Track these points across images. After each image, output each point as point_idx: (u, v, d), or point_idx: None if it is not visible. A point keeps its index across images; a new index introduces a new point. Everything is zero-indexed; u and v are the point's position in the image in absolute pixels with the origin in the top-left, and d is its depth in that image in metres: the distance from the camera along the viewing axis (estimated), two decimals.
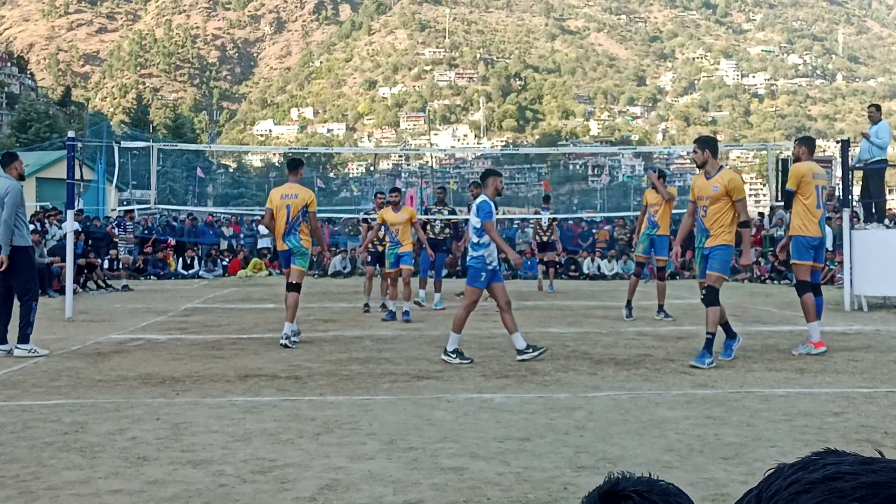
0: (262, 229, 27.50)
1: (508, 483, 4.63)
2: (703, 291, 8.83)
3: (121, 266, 21.78)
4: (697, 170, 9.13)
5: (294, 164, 11.12)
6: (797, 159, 9.60)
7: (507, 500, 4.37)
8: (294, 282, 10.46)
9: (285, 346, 9.99)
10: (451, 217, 16.55)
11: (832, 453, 0.90)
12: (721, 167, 8.97)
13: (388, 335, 11.29)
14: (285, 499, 4.39)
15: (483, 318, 13.39)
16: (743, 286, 21.56)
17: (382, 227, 14.20)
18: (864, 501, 0.82)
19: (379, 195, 15.69)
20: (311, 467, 4.95)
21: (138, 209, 25.98)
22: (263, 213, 12.00)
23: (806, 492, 0.85)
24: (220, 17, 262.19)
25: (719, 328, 8.78)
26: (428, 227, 15.97)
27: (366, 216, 17.53)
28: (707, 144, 9.11)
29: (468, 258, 9.47)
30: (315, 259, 24.16)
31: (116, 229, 22.26)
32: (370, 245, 15.04)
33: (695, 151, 9.07)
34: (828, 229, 18.39)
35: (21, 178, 10.26)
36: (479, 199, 9.24)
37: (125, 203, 34.53)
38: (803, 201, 9.39)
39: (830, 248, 19.81)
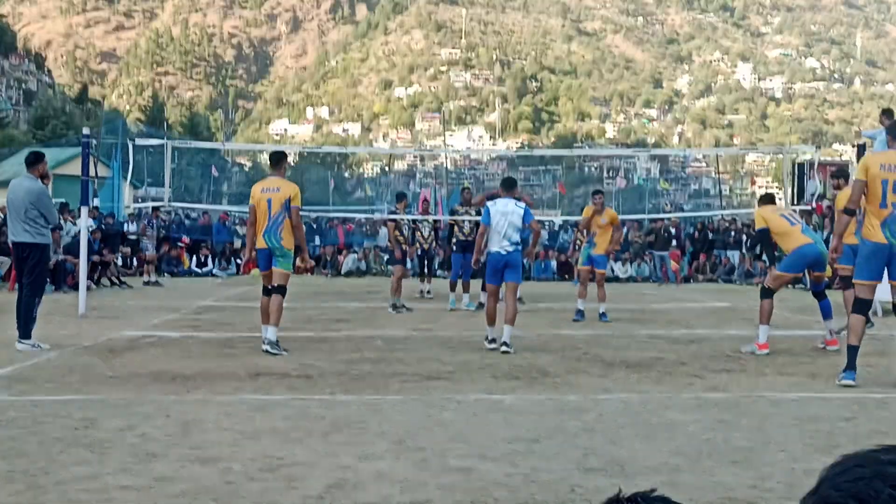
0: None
1: (516, 484, 4.62)
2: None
3: (147, 262, 21.77)
4: None
5: (277, 156, 10.25)
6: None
7: (515, 502, 4.36)
8: (277, 284, 9.68)
9: (267, 352, 9.36)
10: (478, 217, 16.51)
11: None
12: None
13: (400, 335, 11.29)
14: (292, 497, 4.39)
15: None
16: (758, 290, 21.44)
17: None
18: None
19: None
20: (319, 466, 4.95)
21: (152, 206, 26.05)
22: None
23: (861, 465, 1.00)
24: (237, 15, 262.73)
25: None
26: (456, 227, 15.99)
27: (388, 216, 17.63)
28: None
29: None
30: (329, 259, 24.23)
31: (147, 228, 22.38)
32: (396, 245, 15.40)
33: None
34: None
35: (43, 178, 10.32)
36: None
37: (140, 200, 34.60)
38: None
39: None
